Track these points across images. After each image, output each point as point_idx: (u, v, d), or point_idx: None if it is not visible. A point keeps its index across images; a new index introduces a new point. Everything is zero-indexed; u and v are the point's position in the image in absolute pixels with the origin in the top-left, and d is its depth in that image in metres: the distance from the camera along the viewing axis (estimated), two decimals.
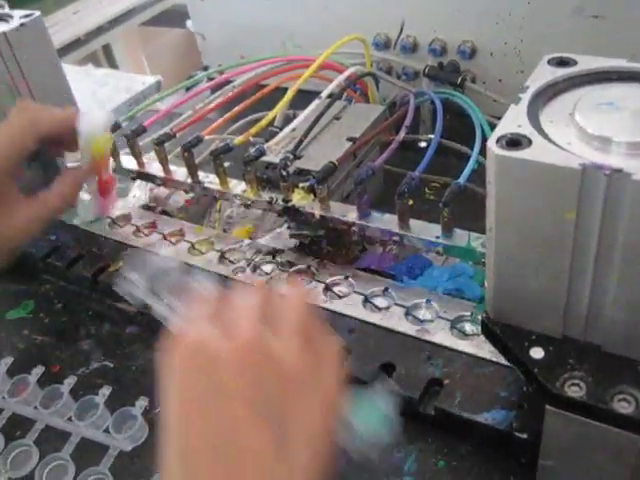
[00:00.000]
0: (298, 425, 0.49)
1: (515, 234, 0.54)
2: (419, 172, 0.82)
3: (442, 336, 0.77)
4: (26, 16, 0.94)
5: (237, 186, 0.94)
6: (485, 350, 0.73)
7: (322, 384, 0.52)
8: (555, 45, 1.00)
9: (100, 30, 1.91)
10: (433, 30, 1.17)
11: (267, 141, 0.94)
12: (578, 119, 0.53)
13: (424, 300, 0.80)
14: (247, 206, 0.92)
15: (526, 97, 0.56)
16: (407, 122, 0.94)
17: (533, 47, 1.09)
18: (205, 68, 1.49)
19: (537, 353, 0.58)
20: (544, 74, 0.59)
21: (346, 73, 1.01)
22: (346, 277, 0.85)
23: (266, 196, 0.90)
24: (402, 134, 0.91)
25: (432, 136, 0.92)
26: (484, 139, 0.85)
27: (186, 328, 0.54)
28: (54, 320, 0.92)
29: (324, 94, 0.97)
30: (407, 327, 0.78)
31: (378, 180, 1.02)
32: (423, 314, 0.80)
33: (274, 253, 0.91)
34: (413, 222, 0.82)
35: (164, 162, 0.99)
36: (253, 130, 0.95)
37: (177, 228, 0.98)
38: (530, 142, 0.51)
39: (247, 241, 0.94)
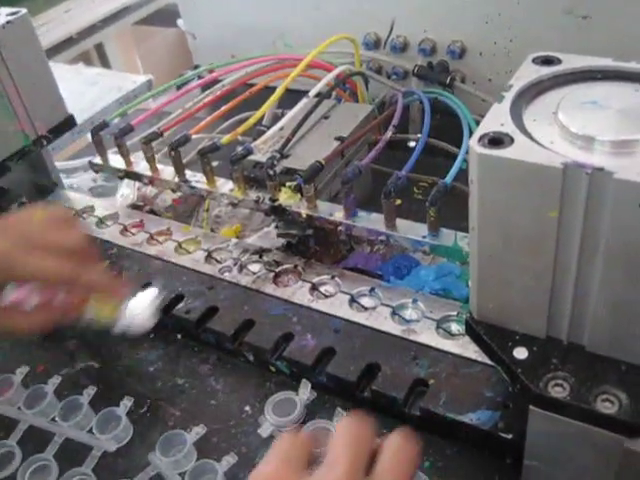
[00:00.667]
0: None
1: (498, 233, 0.54)
2: (406, 171, 0.82)
3: (428, 336, 0.76)
4: (12, 14, 0.93)
5: (224, 185, 0.93)
6: (471, 350, 0.72)
7: None
8: (544, 45, 0.99)
9: (93, 29, 1.91)
10: (423, 30, 1.17)
11: (255, 140, 0.94)
12: (561, 118, 0.53)
13: (410, 300, 0.80)
14: (234, 205, 0.92)
15: (509, 96, 0.56)
16: (395, 121, 0.93)
17: (522, 47, 1.09)
18: (196, 67, 1.49)
19: (521, 353, 0.58)
20: (528, 73, 0.59)
21: (335, 72, 1.01)
22: (332, 277, 0.85)
23: (253, 195, 0.90)
24: (389, 133, 0.91)
25: (420, 135, 0.92)
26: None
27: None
28: None
29: (312, 93, 0.97)
30: (393, 327, 0.78)
31: (366, 179, 1.02)
32: (409, 314, 0.79)
33: (261, 252, 0.91)
34: (400, 221, 0.81)
35: (151, 161, 0.99)
36: (241, 129, 0.94)
37: (164, 227, 0.98)
38: (512, 141, 0.51)
39: (234, 240, 0.94)
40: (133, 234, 0.98)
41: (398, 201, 0.98)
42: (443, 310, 0.78)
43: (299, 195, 0.87)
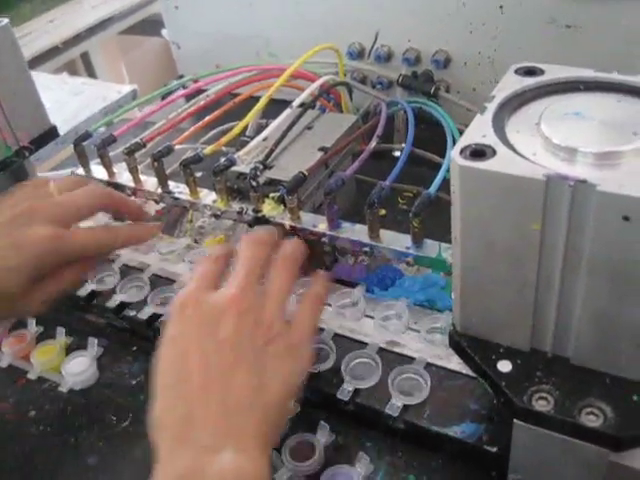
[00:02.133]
0: (275, 373, 0.61)
1: (480, 245, 0.54)
2: (390, 182, 0.81)
3: (412, 348, 0.76)
4: None
5: (208, 196, 0.93)
6: (455, 362, 0.72)
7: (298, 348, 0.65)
8: (528, 55, 0.99)
9: (78, 38, 1.90)
10: (407, 40, 1.17)
11: (238, 151, 0.93)
12: (544, 129, 0.53)
13: (394, 311, 0.79)
14: (217, 216, 0.91)
15: (492, 107, 0.56)
16: (378, 132, 0.93)
17: (507, 57, 1.09)
18: (180, 77, 1.48)
19: (504, 366, 0.57)
20: (511, 83, 0.59)
21: (318, 82, 1.00)
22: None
23: (236, 206, 0.89)
24: (373, 143, 0.90)
25: (405, 145, 0.91)
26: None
27: (189, 285, 0.66)
28: None
29: (295, 103, 0.96)
30: (377, 338, 0.77)
31: (350, 189, 1.02)
32: (394, 325, 0.79)
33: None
34: (383, 232, 0.81)
35: (134, 172, 0.98)
36: (224, 139, 0.93)
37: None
38: (494, 152, 0.50)
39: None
40: None
41: (382, 211, 0.98)
42: (427, 321, 0.78)
43: (282, 206, 0.86)
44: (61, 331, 0.87)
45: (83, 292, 0.89)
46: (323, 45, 1.05)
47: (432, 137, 0.96)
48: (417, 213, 0.75)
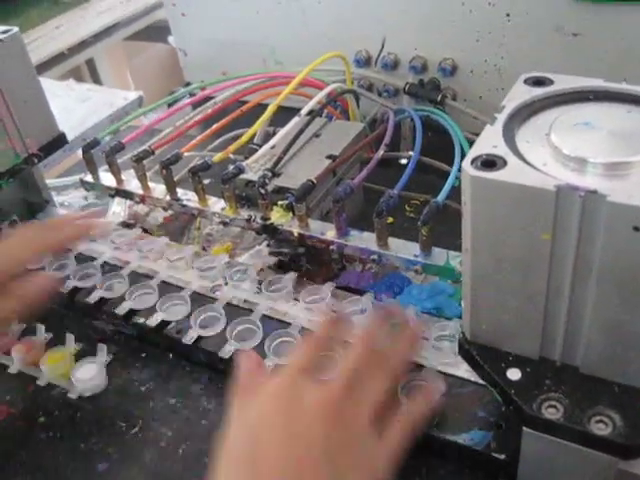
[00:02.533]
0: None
1: (491, 255, 0.54)
2: (398, 190, 0.81)
3: (420, 355, 0.76)
4: (4, 32, 0.93)
5: (216, 204, 0.93)
6: (463, 369, 0.72)
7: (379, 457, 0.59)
8: (535, 62, 1.01)
9: (84, 44, 1.91)
10: (414, 47, 1.18)
11: (246, 158, 0.93)
12: (554, 139, 0.53)
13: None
14: (225, 224, 0.92)
15: (502, 117, 0.56)
16: (386, 140, 0.93)
17: (513, 64, 1.10)
18: (187, 84, 1.49)
19: (514, 374, 0.58)
20: (520, 94, 0.59)
21: (326, 90, 1.01)
22: (323, 297, 0.85)
23: (245, 214, 0.90)
24: (381, 152, 0.91)
25: (412, 153, 0.92)
26: (463, 157, 0.85)
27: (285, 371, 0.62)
28: None
29: (304, 111, 0.97)
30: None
31: (358, 197, 1.02)
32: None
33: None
34: (392, 240, 0.81)
35: (143, 179, 0.98)
36: (232, 147, 0.94)
37: (156, 245, 0.97)
38: (505, 163, 0.51)
39: (225, 259, 0.93)
40: (124, 252, 0.97)
41: (390, 219, 0.98)
42: (436, 329, 0.78)
43: (291, 214, 0.87)
44: (70, 338, 0.87)
45: (92, 299, 0.89)
46: (331, 53, 1.06)
47: (439, 145, 0.97)
48: (426, 221, 0.76)
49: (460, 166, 0.80)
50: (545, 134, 0.54)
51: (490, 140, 0.54)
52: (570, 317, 0.55)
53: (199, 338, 0.82)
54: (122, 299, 0.88)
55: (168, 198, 0.97)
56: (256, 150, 0.95)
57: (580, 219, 0.48)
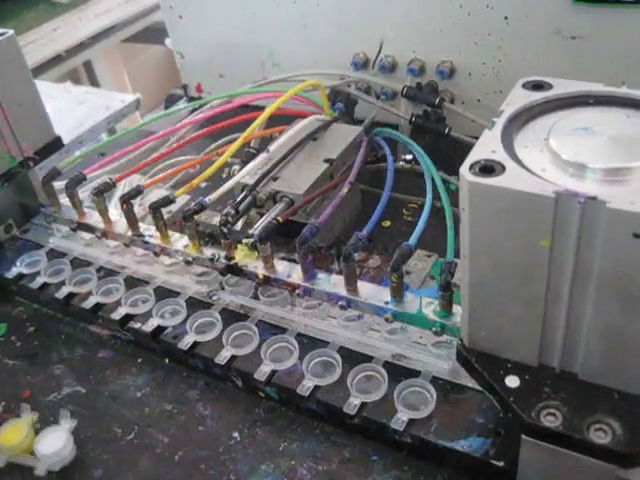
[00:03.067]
0: None
1: (489, 261, 0.54)
2: (367, 231, 0.79)
3: (418, 362, 0.76)
4: None
5: (179, 240, 0.91)
6: (461, 376, 0.72)
7: None
8: (533, 66, 1.00)
9: (81, 46, 1.91)
10: (412, 50, 1.17)
11: (243, 162, 0.93)
12: (553, 145, 0.53)
13: (400, 325, 0.79)
14: (188, 262, 0.89)
15: (500, 122, 0.56)
16: (351, 178, 0.90)
17: (511, 67, 1.09)
18: (184, 86, 1.49)
19: (512, 382, 0.57)
20: (519, 98, 0.59)
21: (304, 122, 1.00)
22: (320, 303, 0.84)
23: (208, 252, 0.87)
24: (345, 189, 0.88)
25: (408, 157, 0.91)
26: (434, 191, 0.85)
27: None
28: (26, 344, 0.90)
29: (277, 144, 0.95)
30: (383, 353, 0.77)
31: (355, 200, 1.02)
32: (399, 339, 0.78)
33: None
34: (361, 285, 0.79)
35: (104, 213, 0.94)
36: (196, 182, 0.91)
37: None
38: (504, 168, 0.50)
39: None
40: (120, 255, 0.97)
41: (387, 223, 0.98)
42: (433, 336, 0.77)
43: (256, 253, 0.84)
44: (25, 407, 0.80)
45: (88, 304, 0.89)
46: (306, 82, 1.03)
47: (437, 146, 0.96)
48: (396, 268, 0.73)
49: (432, 200, 0.80)
50: (544, 139, 0.54)
51: (488, 145, 0.53)
52: (569, 323, 0.54)
53: (195, 344, 0.82)
54: (118, 304, 0.88)
55: (130, 234, 0.93)
56: (253, 155, 0.94)
57: (579, 226, 0.48)
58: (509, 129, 0.56)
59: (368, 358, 0.77)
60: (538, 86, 0.60)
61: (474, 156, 0.52)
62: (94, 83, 2.19)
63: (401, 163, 1.07)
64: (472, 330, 0.60)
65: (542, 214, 0.48)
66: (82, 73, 2.15)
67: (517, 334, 0.57)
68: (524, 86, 0.61)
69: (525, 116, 0.57)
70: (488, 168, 0.51)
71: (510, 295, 0.55)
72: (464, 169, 0.51)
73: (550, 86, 0.60)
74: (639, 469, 0.55)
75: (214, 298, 0.88)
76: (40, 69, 1.76)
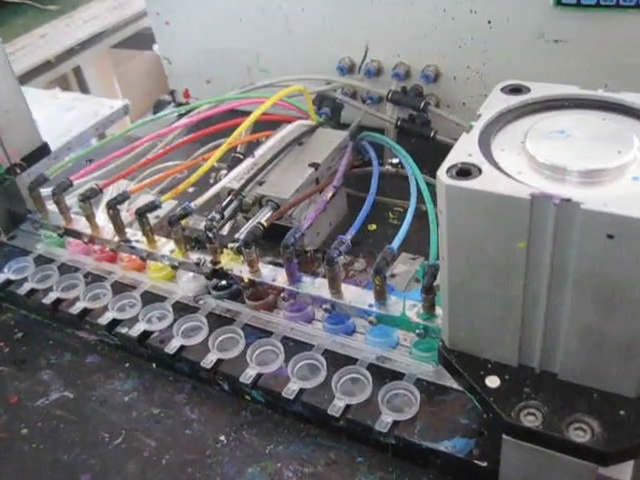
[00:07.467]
0: None
1: (467, 263, 0.54)
2: (351, 235, 0.80)
3: (402, 363, 0.76)
4: None
5: (165, 245, 0.91)
6: (445, 377, 0.72)
7: None
8: (517, 69, 1.01)
9: (70, 53, 1.90)
10: (397, 55, 1.18)
11: (229, 167, 0.93)
12: (529, 147, 0.53)
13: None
14: (175, 267, 0.90)
15: (478, 125, 0.57)
16: (335, 182, 0.92)
17: (495, 71, 1.10)
18: (172, 92, 1.49)
19: (493, 382, 0.58)
20: (497, 102, 0.60)
21: (289, 128, 1.00)
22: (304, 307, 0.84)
23: (194, 257, 0.88)
24: (329, 193, 0.89)
25: (395, 160, 0.92)
26: (419, 194, 0.86)
27: None
28: (14, 350, 0.91)
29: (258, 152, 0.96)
30: (367, 355, 0.77)
31: (341, 205, 1.02)
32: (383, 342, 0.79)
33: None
34: (345, 287, 0.79)
35: (91, 219, 0.95)
36: (182, 187, 0.92)
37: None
38: (480, 171, 0.51)
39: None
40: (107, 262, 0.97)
41: (374, 226, 0.99)
42: (417, 337, 0.78)
43: (242, 257, 0.84)
44: None
45: (75, 309, 0.89)
46: (292, 87, 1.03)
47: (422, 150, 0.97)
48: (379, 271, 0.73)
49: (416, 204, 0.80)
50: (521, 142, 0.55)
51: (465, 148, 0.54)
52: (547, 324, 0.55)
53: (182, 348, 0.82)
54: (105, 309, 0.88)
55: (117, 239, 0.93)
56: (240, 159, 0.95)
57: (555, 227, 0.49)
58: (486, 132, 0.56)
59: (353, 360, 0.77)
60: (516, 90, 0.61)
61: (451, 159, 0.53)
62: (84, 89, 2.19)
63: (387, 167, 1.08)
64: (452, 331, 0.60)
65: (518, 216, 0.49)
66: (72, 79, 2.15)
67: (496, 335, 0.57)
68: (502, 90, 0.61)
69: (502, 120, 0.58)
70: (465, 171, 0.51)
71: (488, 296, 0.55)
72: (441, 172, 0.51)
73: (528, 89, 0.61)
74: (620, 466, 0.56)
75: (200, 302, 0.88)
76: (29, 75, 1.75)
